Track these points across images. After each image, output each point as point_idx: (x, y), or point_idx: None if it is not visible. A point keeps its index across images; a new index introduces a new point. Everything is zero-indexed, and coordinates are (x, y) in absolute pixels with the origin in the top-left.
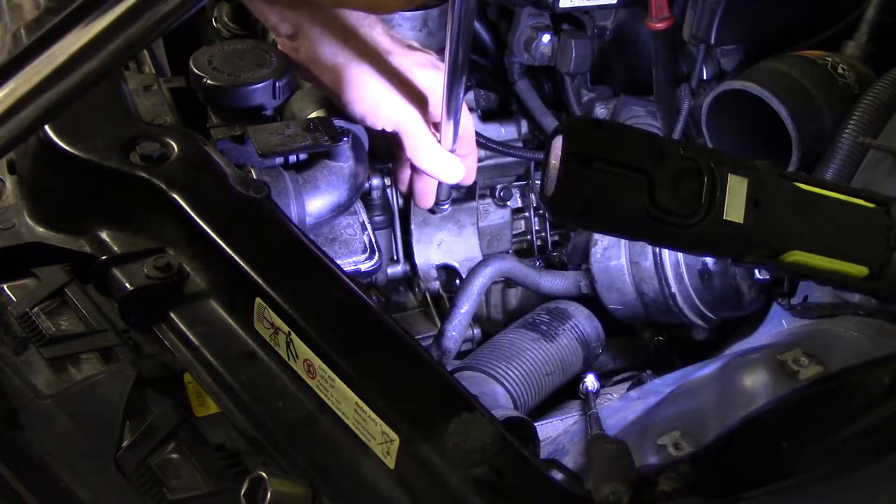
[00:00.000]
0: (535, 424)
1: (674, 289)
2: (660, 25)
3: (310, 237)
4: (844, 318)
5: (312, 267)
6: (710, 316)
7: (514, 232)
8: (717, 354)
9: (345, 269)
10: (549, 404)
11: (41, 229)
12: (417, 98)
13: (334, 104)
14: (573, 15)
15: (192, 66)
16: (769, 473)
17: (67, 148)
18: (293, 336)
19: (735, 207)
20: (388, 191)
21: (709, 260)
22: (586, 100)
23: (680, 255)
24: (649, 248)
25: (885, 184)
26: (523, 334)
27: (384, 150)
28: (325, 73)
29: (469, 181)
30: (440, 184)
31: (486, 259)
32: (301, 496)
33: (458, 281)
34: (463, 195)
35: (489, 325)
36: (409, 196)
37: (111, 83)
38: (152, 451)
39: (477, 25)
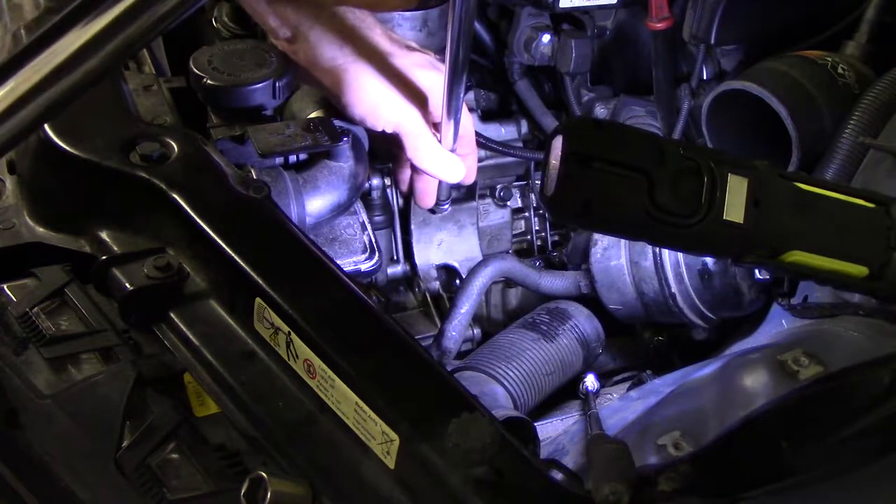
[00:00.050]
0: (535, 424)
1: (674, 289)
2: (660, 25)
3: (310, 237)
4: (844, 318)
5: (312, 267)
6: (710, 316)
7: (514, 232)
8: (717, 354)
9: (345, 269)
10: (549, 404)
11: (41, 229)
12: (417, 98)
13: (334, 105)
14: (573, 15)
15: (192, 66)
16: (769, 473)
17: (67, 148)
18: (293, 336)
19: (735, 207)
20: (388, 191)
21: (709, 260)
22: (586, 100)
23: (680, 255)
24: (649, 248)
25: (885, 184)
26: (523, 334)
27: (384, 151)
28: (325, 75)
29: (469, 180)
30: (440, 183)
31: (486, 259)
32: (301, 496)
33: (458, 281)
34: (463, 195)
35: (489, 325)
36: (409, 196)
37: (111, 83)
38: (152, 451)
39: (477, 25)
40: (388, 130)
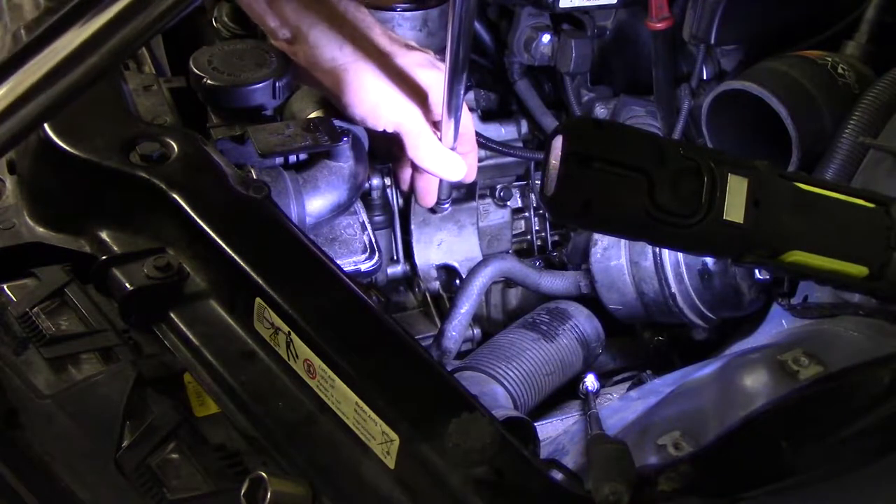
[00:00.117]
0: (535, 424)
1: (674, 289)
2: (660, 25)
3: (310, 237)
4: (844, 318)
5: (312, 267)
6: (710, 316)
7: (514, 232)
8: (717, 354)
9: (345, 269)
10: (549, 404)
11: (41, 229)
12: (417, 97)
13: (334, 105)
14: (573, 15)
15: (192, 66)
16: (769, 473)
17: (67, 148)
18: (293, 336)
19: (735, 207)
20: (388, 191)
21: (709, 260)
22: (586, 100)
23: (680, 255)
24: (649, 248)
25: (885, 184)
26: (523, 334)
27: (384, 151)
28: (325, 75)
29: (470, 179)
30: (441, 182)
31: (486, 259)
32: (301, 496)
33: (458, 281)
34: (463, 195)
35: (489, 325)
36: (409, 196)
37: (111, 83)
38: (152, 451)
39: (477, 25)
40: (389, 130)
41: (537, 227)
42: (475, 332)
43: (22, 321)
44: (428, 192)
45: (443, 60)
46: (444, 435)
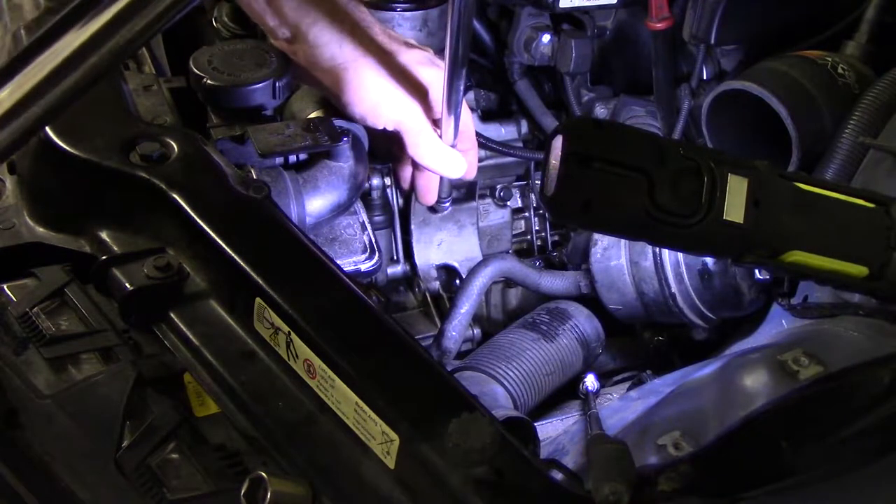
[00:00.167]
0: (535, 424)
1: (674, 289)
2: (660, 25)
3: (310, 237)
4: (844, 318)
5: (312, 267)
6: (710, 316)
7: (514, 232)
8: (717, 354)
9: (345, 269)
10: (549, 404)
11: (41, 229)
12: (417, 95)
13: (334, 104)
14: (573, 15)
15: (192, 66)
16: (769, 473)
17: (67, 148)
18: (293, 336)
19: (735, 207)
20: (388, 191)
21: (709, 260)
22: (586, 100)
23: (680, 255)
24: (649, 248)
25: (885, 184)
26: (523, 334)
27: (385, 150)
28: (324, 75)
29: (471, 176)
30: (442, 180)
31: (486, 259)
32: (301, 496)
33: (458, 281)
34: (463, 195)
35: (489, 325)
36: (409, 196)
37: (111, 83)
38: (152, 451)
39: (477, 25)
40: (389, 128)
41: (537, 227)
42: (475, 332)
43: (22, 321)
44: (428, 191)
45: (442, 59)
46: (444, 435)
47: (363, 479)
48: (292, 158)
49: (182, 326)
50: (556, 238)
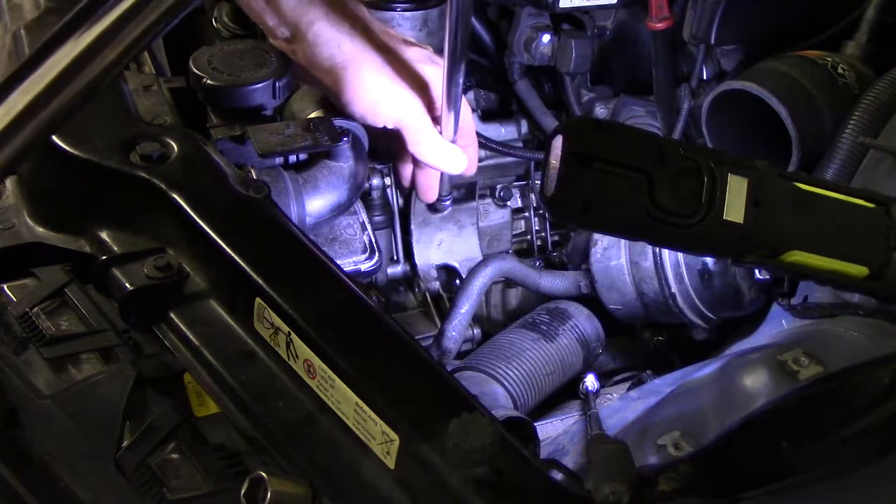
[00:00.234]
0: (535, 424)
1: (674, 289)
2: (660, 25)
3: (310, 237)
4: (844, 318)
5: (312, 267)
6: (710, 316)
7: (514, 232)
8: (717, 354)
9: (345, 269)
10: (549, 404)
11: (41, 229)
12: (417, 92)
13: (334, 104)
14: (573, 15)
15: (192, 66)
16: (769, 473)
17: (67, 148)
18: (293, 336)
19: (735, 207)
20: (388, 191)
21: (709, 260)
22: (586, 100)
23: (680, 255)
24: (649, 248)
25: (885, 184)
26: (523, 334)
27: (385, 148)
28: (324, 74)
29: (471, 172)
30: (442, 178)
31: (486, 259)
32: (301, 496)
33: (458, 281)
34: (463, 195)
35: (489, 325)
36: (409, 196)
37: (111, 83)
38: (152, 451)
39: (477, 25)
40: (390, 126)
41: (537, 227)
42: (475, 332)
43: (22, 321)
44: (429, 188)
45: (442, 57)
46: (444, 435)
47: (363, 479)
48: (292, 158)
49: (182, 326)
50: (556, 238)
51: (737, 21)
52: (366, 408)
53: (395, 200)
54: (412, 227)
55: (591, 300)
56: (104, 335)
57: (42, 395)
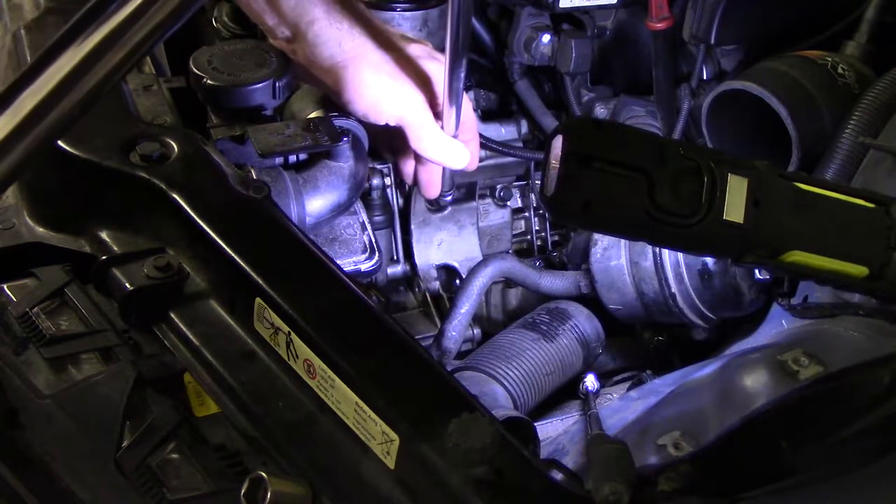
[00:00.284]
0: (535, 424)
1: (674, 289)
2: (660, 25)
3: (310, 237)
4: (844, 318)
5: (312, 267)
6: (710, 316)
7: (514, 232)
8: (717, 354)
9: (345, 269)
10: (549, 404)
11: (41, 229)
12: (418, 89)
13: (334, 103)
14: (573, 15)
15: (192, 66)
16: (769, 473)
17: (67, 148)
18: (293, 336)
19: (735, 207)
20: (388, 191)
21: (709, 260)
22: (586, 100)
23: (680, 255)
24: (649, 248)
25: (885, 184)
26: (523, 334)
27: (386, 145)
28: (324, 73)
29: (473, 166)
30: (444, 173)
31: (486, 259)
32: (301, 496)
33: (458, 281)
34: (463, 195)
35: (489, 325)
36: (409, 196)
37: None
38: (152, 451)
39: (477, 25)
40: (392, 123)
41: (537, 227)
42: (475, 332)
43: (22, 321)
44: (431, 184)
45: (442, 54)
46: (444, 435)
47: (363, 479)
48: (292, 158)
49: (182, 326)
50: (556, 238)
51: (737, 21)
52: (366, 408)
53: (395, 200)
54: (412, 226)
55: (591, 300)
56: (104, 335)
57: (42, 395)
